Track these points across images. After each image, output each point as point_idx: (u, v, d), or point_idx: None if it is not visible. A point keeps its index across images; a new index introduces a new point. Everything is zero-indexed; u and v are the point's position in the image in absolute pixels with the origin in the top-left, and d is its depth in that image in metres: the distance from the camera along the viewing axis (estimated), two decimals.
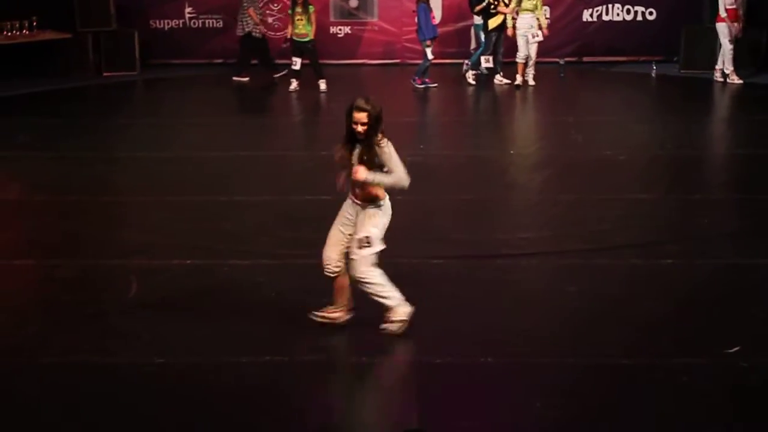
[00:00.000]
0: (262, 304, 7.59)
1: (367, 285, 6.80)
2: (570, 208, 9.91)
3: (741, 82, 16.52)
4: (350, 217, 6.83)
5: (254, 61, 17.63)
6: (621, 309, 7.43)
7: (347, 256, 6.81)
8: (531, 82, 16.85)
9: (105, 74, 18.20)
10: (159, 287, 7.98)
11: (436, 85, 16.83)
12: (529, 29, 16.61)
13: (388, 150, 6.64)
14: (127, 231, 9.42)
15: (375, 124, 6.59)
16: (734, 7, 16.50)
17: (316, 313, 7.02)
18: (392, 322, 6.83)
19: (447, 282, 7.93)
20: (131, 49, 18.45)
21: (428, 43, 16.55)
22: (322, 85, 16.57)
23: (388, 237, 8.95)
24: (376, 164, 6.62)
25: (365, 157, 6.63)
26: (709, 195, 10.50)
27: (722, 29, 16.56)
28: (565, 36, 19.19)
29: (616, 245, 8.79)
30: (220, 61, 19.23)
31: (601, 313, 7.38)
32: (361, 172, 6.59)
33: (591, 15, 19.36)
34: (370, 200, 6.74)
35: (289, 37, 16.58)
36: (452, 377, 6.37)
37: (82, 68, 18.07)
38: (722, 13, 16.50)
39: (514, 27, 16.65)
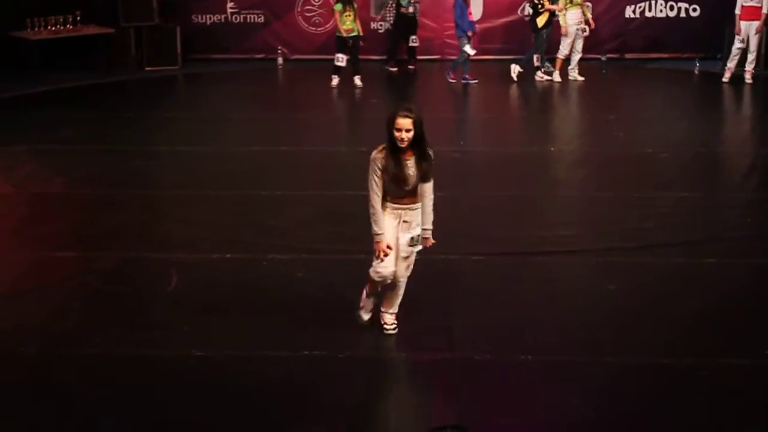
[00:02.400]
0: (302, 299, 7.61)
1: (403, 285, 6.83)
2: (611, 205, 9.85)
3: (727, 81, 16.35)
4: (396, 224, 6.69)
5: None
6: (662, 308, 7.38)
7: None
8: (579, 78, 16.74)
9: (147, 69, 18.29)
10: (199, 281, 8.03)
11: (476, 81, 16.77)
12: (578, 24, 16.52)
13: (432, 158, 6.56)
14: (168, 224, 9.49)
15: (421, 130, 6.42)
16: (754, 4, 16.23)
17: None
18: (390, 324, 6.96)
19: (486, 279, 7.92)
20: (173, 44, 18.51)
21: (468, 36, 16.49)
22: (358, 80, 16.55)
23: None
24: (423, 173, 6.52)
25: (421, 166, 6.48)
26: (752, 194, 10.39)
27: (738, 27, 16.37)
28: (608, 32, 19.03)
29: (657, 243, 8.73)
30: (261, 56, 19.26)
31: (641, 311, 7.33)
32: (430, 242, 6.80)
33: (633, 11, 19.16)
34: (414, 202, 6.66)
35: (338, 35, 16.53)
36: (490, 375, 6.36)
37: (124, 63, 18.16)
38: (737, 10, 16.33)
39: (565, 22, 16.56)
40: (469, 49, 16.57)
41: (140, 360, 6.62)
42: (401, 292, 6.88)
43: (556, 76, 16.75)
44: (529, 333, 6.93)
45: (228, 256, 8.51)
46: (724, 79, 16.47)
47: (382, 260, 6.61)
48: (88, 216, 9.79)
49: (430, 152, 6.54)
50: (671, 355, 6.58)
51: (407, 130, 6.35)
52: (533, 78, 17.15)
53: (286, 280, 8.01)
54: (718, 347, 6.70)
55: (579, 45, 16.72)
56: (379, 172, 6.55)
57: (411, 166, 6.47)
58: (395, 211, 6.65)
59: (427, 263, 8.16)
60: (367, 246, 8.59)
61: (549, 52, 17.12)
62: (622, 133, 13.03)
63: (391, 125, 6.39)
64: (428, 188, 6.61)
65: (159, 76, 17.87)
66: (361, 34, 16.54)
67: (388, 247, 6.59)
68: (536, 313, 7.31)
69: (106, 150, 12.32)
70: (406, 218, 6.64)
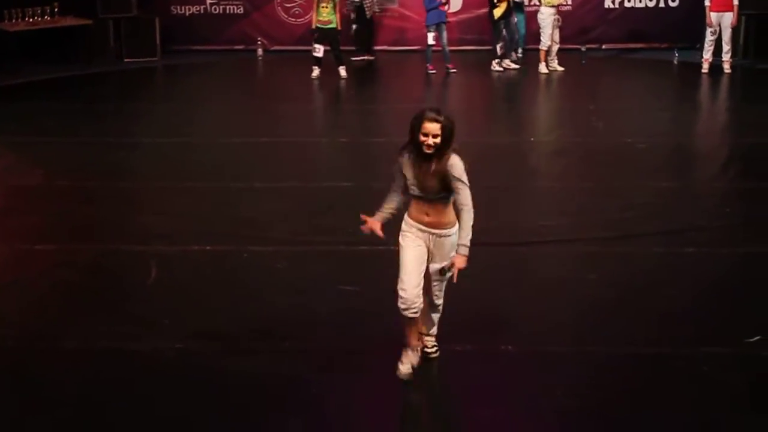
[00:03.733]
0: (282, 291, 7.60)
1: (440, 310, 6.31)
2: (590, 195, 9.87)
3: (706, 71, 16.43)
4: (423, 245, 6.01)
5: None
6: (642, 297, 7.41)
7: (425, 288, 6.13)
8: (559, 68, 16.81)
9: (126, 60, 18.21)
10: (179, 273, 8.00)
11: (432, 71, 16.80)
12: (552, 15, 16.57)
13: (460, 164, 5.90)
14: (147, 216, 9.44)
15: (449, 136, 5.87)
16: None
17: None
18: (431, 347, 6.41)
19: (465, 269, 7.89)
20: (152, 36, 18.44)
21: (436, 25, 16.61)
22: (342, 71, 16.54)
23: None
24: (447, 182, 5.87)
25: (438, 175, 5.85)
26: (730, 183, 10.43)
27: (709, 18, 16.45)
28: (587, 22, 19.08)
29: (637, 233, 8.75)
30: (240, 47, 19.21)
31: (622, 301, 7.35)
32: (461, 262, 5.89)
33: (613, 2, 19.21)
34: (443, 225, 5.98)
35: (314, 26, 16.54)
36: (472, 365, 6.36)
37: (103, 54, 18.08)
38: (706, 2, 16.40)
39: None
40: (429, 39, 16.68)
41: (120, 353, 6.58)
42: (437, 310, 6.30)
43: (542, 68, 16.79)
44: (510, 323, 6.93)
45: (208, 248, 8.48)
46: (703, 70, 16.54)
47: (399, 294, 6.01)
48: (67, 208, 9.74)
49: (453, 161, 5.88)
50: (651, 344, 6.61)
51: (434, 136, 5.81)
52: (518, 68, 17.19)
53: (267, 271, 8.00)
54: (698, 336, 6.73)
55: (556, 35, 16.77)
56: (397, 174, 6.05)
57: (433, 171, 5.87)
58: (419, 232, 5.99)
59: None
60: (347, 237, 8.62)
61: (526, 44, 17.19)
62: (602, 123, 13.06)
63: (417, 129, 5.86)
64: (461, 199, 5.88)
65: (138, 68, 17.80)
66: (339, 28, 16.49)
67: (369, 226, 6.12)
68: (517, 303, 7.32)
69: (85, 142, 12.26)
70: (435, 242, 5.99)
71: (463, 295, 7.03)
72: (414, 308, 5.99)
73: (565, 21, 17.15)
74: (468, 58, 17.94)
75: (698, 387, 6.10)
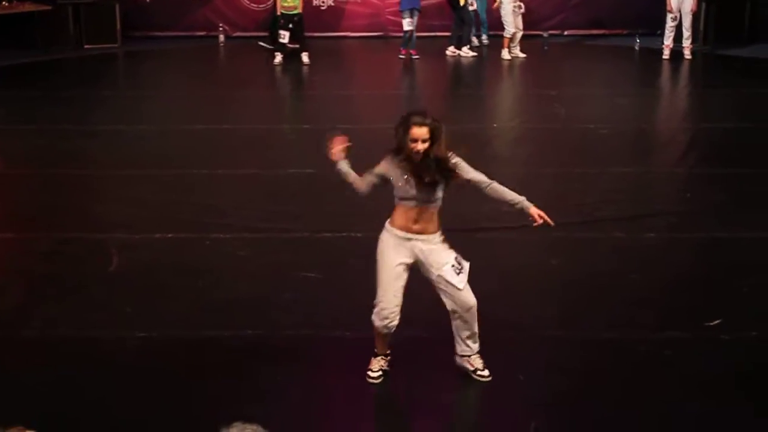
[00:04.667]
0: (244, 278, 7.57)
1: (474, 314, 5.85)
2: (553, 181, 9.90)
3: (667, 57, 16.55)
4: (406, 258, 5.72)
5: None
6: (604, 282, 7.45)
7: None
8: (521, 55, 16.84)
9: (86, 46, 18.03)
10: (140, 261, 7.94)
11: (405, 56, 16.81)
12: (511, 3, 16.61)
13: (461, 162, 5.73)
14: (108, 204, 9.36)
15: (438, 137, 5.56)
16: None
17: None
18: (482, 369, 5.99)
19: None
20: (112, 21, 18.27)
21: (409, 11, 16.58)
22: (305, 58, 16.48)
23: (370, 210, 8.95)
24: (441, 185, 5.68)
25: (433, 181, 5.62)
26: (692, 169, 10.50)
27: (669, 4, 16.57)
28: (549, 9, 19.13)
29: (599, 219, 8.79)
30: (202, 33, 19.09)
31: (583, 286, 7.38)
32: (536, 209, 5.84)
33: None
34: (429, 231, 5.73)
35: (278, 12, 16.47)
36: (433, 351, 6.36)
37: (62, 40, 17.88)
38: None
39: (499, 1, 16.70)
40: (405, 25, 16.67)
41: (81, 342, 6.52)
42: (475, 325, 5.88)
43: (505, 54, 16.83)
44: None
45: (170, 235, 8.42)
46: (664, 56, 16.64)
47: (376, 308, 5.78)
48: (26, 196, 9.64)
49: (458, 165, 5.71)
50: (614, 328, 6.64)
51: (423, 141, 5.52)
52: (478, 55, 17.21)
53: (229, 259, 7.96)
54: (659, 320, 6.77)
55: (519, 22, 16.81)
56: (378, 173, 5.73)
57: (427, 177, 5.61)
58: (404, 242, 5.70)
59: (368, 241, 8.16)
60: (310, 224, 8.60)
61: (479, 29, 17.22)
62: (564, 109, 13.10)
63: (405, 134, 5.55)
64: (481, 179, 5.81)
65: (98, 54, 17.63)
66: (301, 12, 16.44)
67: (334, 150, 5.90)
68: (479, 289, 7.28)
69: (44, 129, 12.14)
70: (425, 250, 5.70)
71: (423, 280, 7.04)
72: (391, 324, 5.78)
73: (528, 7, 17.18)
74: (431, 44, 17.92)
75: (660, 370, 6.14)
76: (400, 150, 5.62)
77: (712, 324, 6.67)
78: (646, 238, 8.37)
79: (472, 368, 5.98)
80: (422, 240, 5.71)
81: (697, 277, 7.69)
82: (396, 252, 5.71)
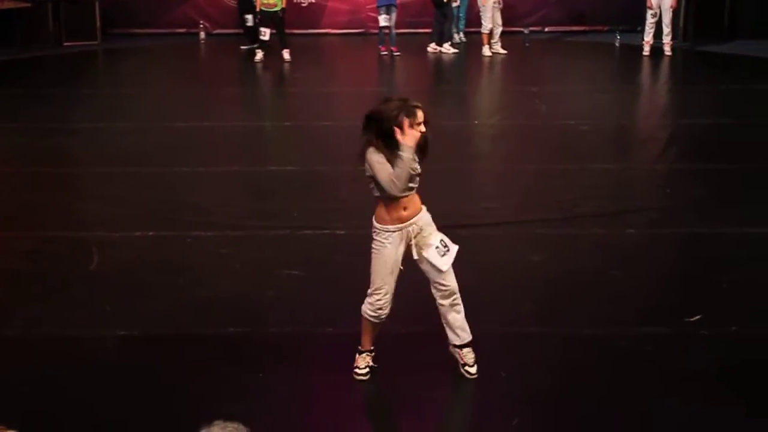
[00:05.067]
0: (226, 276, 7.55)
1: (458, 301, 5.88)
2: (534, 178, 9.92)
3: (647, 54, 16.62)
4: (402, 249, 5.74)
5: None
6: (584, 278, 7.47)
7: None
8: (502, 51, 16.87)
9: (65, 44, 17.96)
10: (121, 259, 7.92)
11: (385, 53, 16.82)
12: None
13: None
14: (89, 202, 9.33)
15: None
16: None
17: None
18: (470, 365, 5.97)
19: (409, 253, 7.89)
20: (92, 18, 18.21)
21: (386, 7, 16.61)
22: (286, 54, 16.47)
23: (353, 207, 8.97)
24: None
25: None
26: (671, 165, 10.54)
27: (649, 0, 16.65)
28: (530, 5, 19.17)
29: (579, 215, 8.82)
30: (182, 30, 19.04)
31: (564, 282, 7.40)
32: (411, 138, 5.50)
33: None
34: (417, 212, 5.75)
35: (258, 9, 16.46)
36: (416, 347, 6.37)
37: (41, 38, 17.82)
38: None
39: None
40: (380, 21, 16.70)
41: (62, 340, 6.50)
42: (461, 310, 5.92)
43: (485, 51, 16.87)
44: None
45: (150, 233, 8.40)
46: (645, 52, 16.70)
47: (369, 298, 5.81)
48: (6, 194, 9.59)
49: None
50: (594, 324, 6.66)
51: (426, 123, 5.58)
52: (459, 51, 17.23)
53: (211, 257, 7.94)
54: (640, 316, 6.80)
55: (498, 18, 16.84)
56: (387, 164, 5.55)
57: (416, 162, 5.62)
58: (395, 234, 5.71)
59: (350, 238, 8.16)
60: (292, 221, 8.59)
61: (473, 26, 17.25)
62: (545, 105, 13.13)
63: (395, 122, 5.48)
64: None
65: (78, 52, 17.57)
66: (284, 7, 16.45)
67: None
68: (461, 285, 7.32)
69: (24, 127, 12.09)
70: (416, 230, 5.73)
71: (406, 277, 7.05)
72: (383, 314, 5.81)
73: (508, 4, 17.21)
74: (412, 41, 17.93)
75: (641, 366, 6.16)
76: (384, 139, 5.52)
77: (692, 320, 6.70)
78: (627, 234, 8.40)
79: (461, 362, 6.00)
80: (413, 223, 5.72)
81: (678, 272, 7.73)
82: (392, 247, 5.72)
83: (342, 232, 8.28)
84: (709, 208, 9.01)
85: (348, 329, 6.41)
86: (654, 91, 15.39)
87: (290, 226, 8.51)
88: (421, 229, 5.74)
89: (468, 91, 15.41)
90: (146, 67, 16.86)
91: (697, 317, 6.72)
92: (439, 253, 5.74)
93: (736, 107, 12.99)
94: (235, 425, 3.35)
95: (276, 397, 5.81)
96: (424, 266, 5.79)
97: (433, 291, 5.87)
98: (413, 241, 5.75)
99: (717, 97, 13.65)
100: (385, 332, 6.21)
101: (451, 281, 5.82)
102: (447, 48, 17.14)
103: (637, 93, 14.86)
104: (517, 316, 6.84)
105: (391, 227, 5.71)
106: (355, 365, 6.01)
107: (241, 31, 17.84)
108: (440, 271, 5.76)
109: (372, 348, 6.03)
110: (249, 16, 16.53)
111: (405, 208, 5.70)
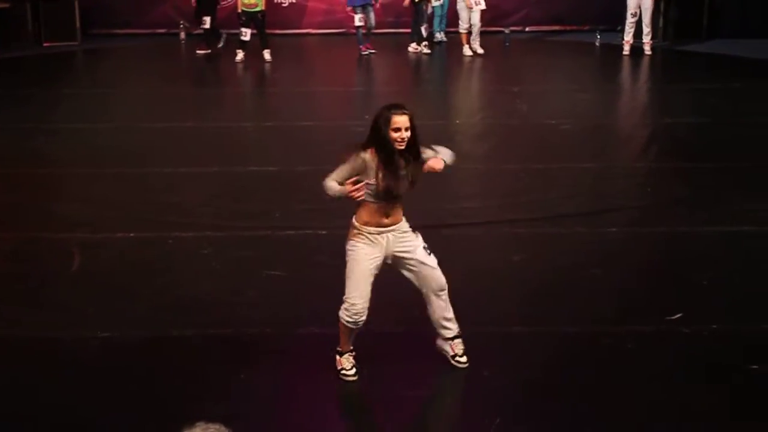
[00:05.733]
0: (207, 276, 7.54)
1: (447, 296, 5.96)
2: (515, 177, 9.94)
3: (627, 53, 16.69)
4: (379, 254, 5.73)
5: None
6: (567, 277, 7.48)
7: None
8: (480, 51, 16.87)
9: (45, 44, 17.89)
10: (102, 260, 7.89)
11: (373, 52, 16.82)
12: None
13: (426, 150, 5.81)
14: (70, 203, 9.29)
15: (414, 127, 5.62)
16: None
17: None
18: (460, 356, 6.05)
19: None
20: (72, 19, 18.14)
21: (361, 7, 16.61)
22: (267, 55, 16.46)
23: (334, 208, 8.95)
24: (417, 177, 5.74)
25: (414, 168, 5.67)
26: (652, 164, 10.59)
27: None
28: (511, 5, 19.21)
29: (561, 214, 8.84)
30: (163, 31, 18.99)
31: (546, 281, 7.42)
32: (439, 162, 5.69)
33: None
34: (399, 221, 5.78)
35: (239, 9, 16.44)
36: (400, 347, 6.37)
37: (21, 38, 17.74)
38: None
39: None
40: (356, 20, 16.69)
41: (43, 342, 6.47)
42: (449, 306, 5.99)
43: (466, 50, 16.88)
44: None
45: (132, 234, 8.37)
46: (624, 52, 16.77)
47: (345, 305, 5.76)
48: None
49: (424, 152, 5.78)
50: (577, 323, 6.68)
51: (406, 129, 5.53)
52: (435, 51, 17.25)
53: (192, 258, 7.92)
54: (620, 314, 6.82)
55: (475, 17, 16.82)
56: (351, 171, 5.57)
57: (403, 170, 5.63)
58: (377, 237, 5.71)
59: (332, 238, 8.16)
60: (273, 222, 8.58)
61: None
62: (526, 105, 13.16)
63: (385, 125, 5.51)
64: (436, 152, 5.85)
65: (57, 52, 17.50)
66: (264, 9, 16.44)
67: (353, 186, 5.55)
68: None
69: (3, 128, 12.04)
70: (395, 239, 5.74)
71: (387, 277, 7.05)
72: (360, 320, 5.78)
73: (489, 3, 17.21)
74: (393, 40, 17.94)
75: (622, 364, 6.18)
76: (380, 143, 5.54)
77: (673, 318, 6.73)
78: (608, 233, 8.43)
79: (451, 353, 6.04)
80: (393, 230, 5.74)
81: (659, 271, 7.76)
82: (369, 249, 5.71)
83: (324, 233, 8.27)
84: (689, 206, 9.05)
85: (330, 329, 6.40)
86: (634, 91, 15.44)
87: (271, 226, 8.50)
88: (400, 238, 5.77)
89: (449, 90, 15.42)
90: (126, 67, 16.81)
91: (678, 315, 6.75)
92: (427, 252, 5.85)
93: (715, 106, 13.05)
94: (217, 426, 3.34)
95: (258, 398, 5.80)
96: (416, 268, 5.83)
97: (423, 290, 5.91)
98: (397, 249, 5.77)
99: (697, 97, 13.70)
100: (366, 332, 6.22)
101: (442, 278, 5.90)
102: (422, 47, 17.09)
103: (617, 92, 14.92)
104: (499, 315, 6.85)
105: (371, 229, 5.70)
106: (340, 367, 5.99)
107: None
108: (432, 268, 5.83)
109: (352, 348, 6.02)
110: (207, 18, 16.53)
111: (387, 216, 5.70)
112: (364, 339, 6.05)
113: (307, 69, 17.08)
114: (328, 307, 6.63)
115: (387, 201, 5.65)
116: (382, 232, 5.71)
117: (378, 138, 5.54)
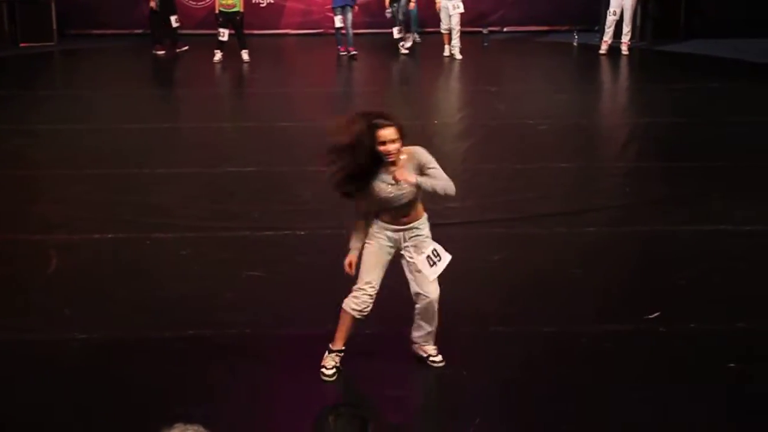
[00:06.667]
0: (186, 278, 7.51)
1: (435, 308, 5.94)
2: (493, 177, 9.96)
3: (604, 53, 16.74)
4: (393, 249, 5.84)
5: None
6: (545, 277, 7.50)
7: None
8: (458, 56, 16.82)
9: (21, 45, 17.78)
10: (80, 262, 7.85)
11: (344, 53, 16.81)
12: (449, 1, 16.64)
13: (422, 150, 5.76)
14: (46, 205, 9.24)
15: (403, 137, 5.58)
16: None
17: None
18: (434, 356, 6.08)
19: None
20: (48, 19, 18.03)
21: (341, 8, 16.57)
22: (245, 55, 16.43)
23: (314, 208, 8.95)
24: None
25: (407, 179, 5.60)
26: (630, 163, 10.63)
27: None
28: (489, 5, 19.24)
29: (539, 214, 8.86)
30: (140, 31, 18.91)
31: (525, 281, 7.43)
32: (404, 173, 5.55)
33: None
34: (417, 218, 5.86)
35: (217, 10, 16.40)
36: (377, 348, 6.37)
37: None
38: None
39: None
40: (335, 22, 16.67)
41: (20, 344, 6.43)
42: (435, 318, 5.99)
43: (447, 50, 16.88)
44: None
45: (110, 236, 8.33)
46: (601, 51, 16.81)
47: (355, 293, 5.84)
48: None
49: (415, 152, 5.72)
50: (555, 322, 6.69)
51: (392, 141, 5.50)
52: (414, 51, 17.25)
53: (171, 259, 7.89)
54: (599, 314, 6.84)
55: (455, 21, 16.81)
56: (361, 215, 5.76)
57: (389, 175, 5.63)
58: (392, 234, 5.80)
59: (311, 239, 8.16)
60: (251, 222, 8.56)
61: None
62: (504, 105, 13.18)
63: (370, 141, 5.48)
64: (439, 175, 5.75)
65: (34, 53, 17.40)
66: (242, 10, 16.40)
67: (351, 265, 5.79)
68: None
69: None
70: (411, 237, 5.83)
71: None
72: (366, 310, 5.85)
73: (468, 4, 17.22)
74: (372, 41, 17.93)
75: (600, 363, 6.20)
76: (365, 161, 5.52)
77: (651, 317, 6.75)
78: (587, 232, 8.45)
79: (425, 354, 6.06)
80: (409, 228, 5.81)
81: (637, 270, 7.79)
82: (384, 243, 5.80)
83: (303, 233, 8.27)
84: (667, 206, 9.08)
85: (309, 330, 6.42)
86: (613, 91, 15.50)
87: (251, 227, 8.48)
88: (412, 239, 5.82)
89: (428, 90, 15.42)
90: (104, 68, 16.73)
91: (656, 314, 6.78)
92: (429, 263, 5.84)
93: (693, 106, 13.11)
94: (196, 428, 3.33)
95: (238, 399, 5.79)
96: (413, 271, 5.87)
97: (414, 296, 5.94)
98: (407, 245, 5.83)
99: (675, 97, 13.75)
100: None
101: (434, 290, 5.89)
102: (400, 47, 17.08)
103: (595, 92, 14.96)
104: (478, 315, 6.85)
105: (389, 227, 5.77)
106: (322, 364, 5.99)
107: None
108: (428, 279, 5.84)
109: (343, 348, 6.01)
110: (173, 18, 16.56)
111: (404, 215, 5.77)
112: (348, 342, 6.04)
113: (286, 69, 17.06)
114: (307, 308, 6.65)
115: (401, 205, 5.72)
116: (399, 230, 5.79)
117: (361, 153, 5.51)
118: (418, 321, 6.02)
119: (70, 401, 5.76)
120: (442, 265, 5.87)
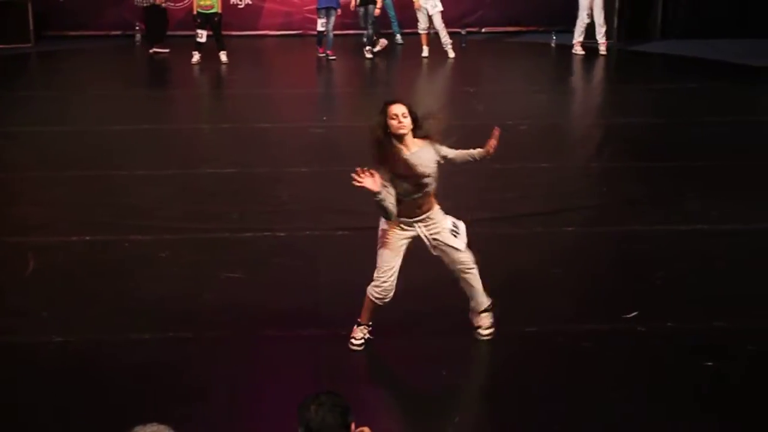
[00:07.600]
0: (165, 279, 7.50)
1: (476, 272, 6.35)
2: (472, 177, 9.95)
3: (583, 53, 16.79)
4: (409, 238, 6.22)
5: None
6: (524, 277, 7.52)
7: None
8: (450, 54, 16.78)
9: None
10: (58, 264, 7.83)
11: (324, 54, 16.79)
12: (426, 2, 16.63)
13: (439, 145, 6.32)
14: (24, 207, 9.21)
15: (416, 117, 6.15)
16: None
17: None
18: (485, 329, 6.46)
19: (352, 253, 7.90)
20: (24, 20, 17.90)
21: (325, 10, 16.52)
22: (223, 57, 16.37)
23: (293, 209, 8.93)
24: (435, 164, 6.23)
25: (424, 162, 6.12)
26: (607, 163, 10.68)
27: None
28: (467, 6, 19.26)
29: (518, 214, 8.89)
30: (118, 33, 18.83)
31: (503, 281, 7.43)
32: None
33: None
34: (431, 209, 6.22)
35: (195, 11, 16.35)
36: (360, 348, 6.37)
37: None
38: None
39: None
40: (318, 24, 16.62)
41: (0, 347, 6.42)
42: (478, 282, 6.37)
43: (425, 51, 16.86)
44: (394, 306, 6.94)
45: (87, 238, 8.30)
46: (576, 52, 16.85)
47: (376, 281, 6.18)
48: None
49: (435, 146, 6.28)
50: (533, 321, 6.72)
51: (404, 115, 6.04)
52: (395, 53, 17.26)
53: (149, 261, 7.87)
54: (578, 313, 6.88)
55: (437, 21, 16.80)
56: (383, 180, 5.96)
57: (421, 153, 6.13)
58: (409, 226, 6.19)
59: (291, 240, 8.16)
60: (230, 224, 8.55)
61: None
62: (483, 105, 13.21)
63: (383, 122, 6.07)
64: (459, 152, 6.55)
65: (10, 55, 17.28)
66: (220, 11, 16.35)
67: (370, 173, 5.90)
68: (400, 285, 7.34)
69: None
70: (429, 227, 6.21)
71: (347, 279, 7.05)
72: (388, 297, 6.19)
73: (446, 4, 17.22)
74: (347, 42, 17.92)
75: (579, 362, 6.23)
76: (380, 137, 6.05)
77: (629, 316, 6.79)
78: (565, 232, 8.49)
79: (475, 326, 6.43)
80: (424, 219, 6.18)
81: (615, 269, 7.83)
82: (400, 233, 6.17)
83: (282, 234, 8.26)
84: (644, 206, 9.13)
85: (288, 331, 6.42)
86: (589, 91, 15.56)
87: (230, 228, 8.47)
88: (430, 224, 6.20)
89: (406, 91, 15.41)
90: (81, 69, 16.65)
91: (634, 314, 6.82)
92: (453, 234, 6.24)
93: (669, 106, 13.17)
94: (164, 428, 3.34)
95: (217, 400, 5.79)
96: (442, 248, 6.24)
97: (452, 269, 6.32)
98: (426, 232, 6.20)
99: (652, 97, 13.82)
100: (326, 334, 6.22)
101: (469, 258, 6.29)
102: (368, 50, 17.03)
103: (573, 93, 15.02)
104: (456, 314, 6.85)
105: (405, 220, 6.13)
106: (351, 335, 6.29)
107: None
108: (457, 249, 6.22)
109: (370, 323, 6.29)
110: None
111: (419, 207, 6.15)
112: (324, 342, 6.05)
113: (264, 71, 17.03)
114: (287, 310, 6.65)
115: (415, 194, 6.07)
116: (414, 222, 6.15)
117: (377, 133, 6.06)
118: (468, 292, 6.38)
119: (49, 403, 5.75)
120: (463, 233, 6.27)
